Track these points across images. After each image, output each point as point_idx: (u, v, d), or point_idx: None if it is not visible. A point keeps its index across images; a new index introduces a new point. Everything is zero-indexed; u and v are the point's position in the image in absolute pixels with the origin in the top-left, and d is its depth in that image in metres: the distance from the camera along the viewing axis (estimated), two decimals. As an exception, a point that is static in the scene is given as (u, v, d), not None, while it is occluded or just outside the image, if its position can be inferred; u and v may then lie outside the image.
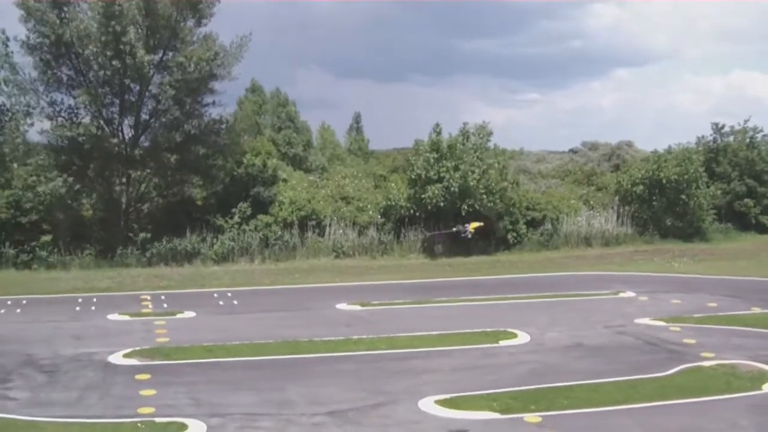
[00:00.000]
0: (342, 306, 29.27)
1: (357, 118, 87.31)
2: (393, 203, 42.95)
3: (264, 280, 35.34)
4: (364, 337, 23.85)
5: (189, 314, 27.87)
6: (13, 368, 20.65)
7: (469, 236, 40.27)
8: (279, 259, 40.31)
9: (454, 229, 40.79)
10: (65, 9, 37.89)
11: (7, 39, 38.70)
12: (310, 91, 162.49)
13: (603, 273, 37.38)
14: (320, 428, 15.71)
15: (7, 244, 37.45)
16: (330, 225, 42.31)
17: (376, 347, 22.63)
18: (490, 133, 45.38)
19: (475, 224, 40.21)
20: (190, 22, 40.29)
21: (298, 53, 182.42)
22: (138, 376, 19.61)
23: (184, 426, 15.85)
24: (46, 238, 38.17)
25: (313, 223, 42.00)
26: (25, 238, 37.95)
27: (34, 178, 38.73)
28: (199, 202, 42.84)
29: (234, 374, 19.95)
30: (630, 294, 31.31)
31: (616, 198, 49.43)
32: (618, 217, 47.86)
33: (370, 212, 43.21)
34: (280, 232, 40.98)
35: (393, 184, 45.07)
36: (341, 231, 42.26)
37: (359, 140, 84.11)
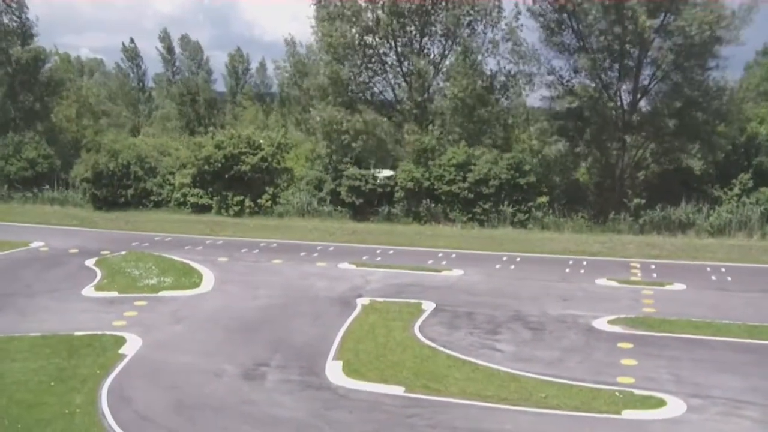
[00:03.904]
0: None
1: None
2: None
3: (763, 258, 32.54)
4: None
5: (678, 286, 27.10)
6: (503, 322, 22.28)
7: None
8: (782, 236, 36.92)
9: None
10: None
11: (519, 12, 41.51)
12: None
13: None
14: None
15: (506, 203, 40.13)
16: None
17: None
18: None
19: None
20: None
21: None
22: (620, 344, 19.75)
23: (662, 402, 15.61)
24: (542, 199, 40.15)
25: (827, 198, 37.54)
26: (522, 198, 40.32)
27: (535, 142, 40.72)
28: (697, 171, 41.12)
29: (720, 354, 19.04)
30: None
31: None
32: None
33: None
34: (785, 207, 37.50)
35: None
36: None
37: None
